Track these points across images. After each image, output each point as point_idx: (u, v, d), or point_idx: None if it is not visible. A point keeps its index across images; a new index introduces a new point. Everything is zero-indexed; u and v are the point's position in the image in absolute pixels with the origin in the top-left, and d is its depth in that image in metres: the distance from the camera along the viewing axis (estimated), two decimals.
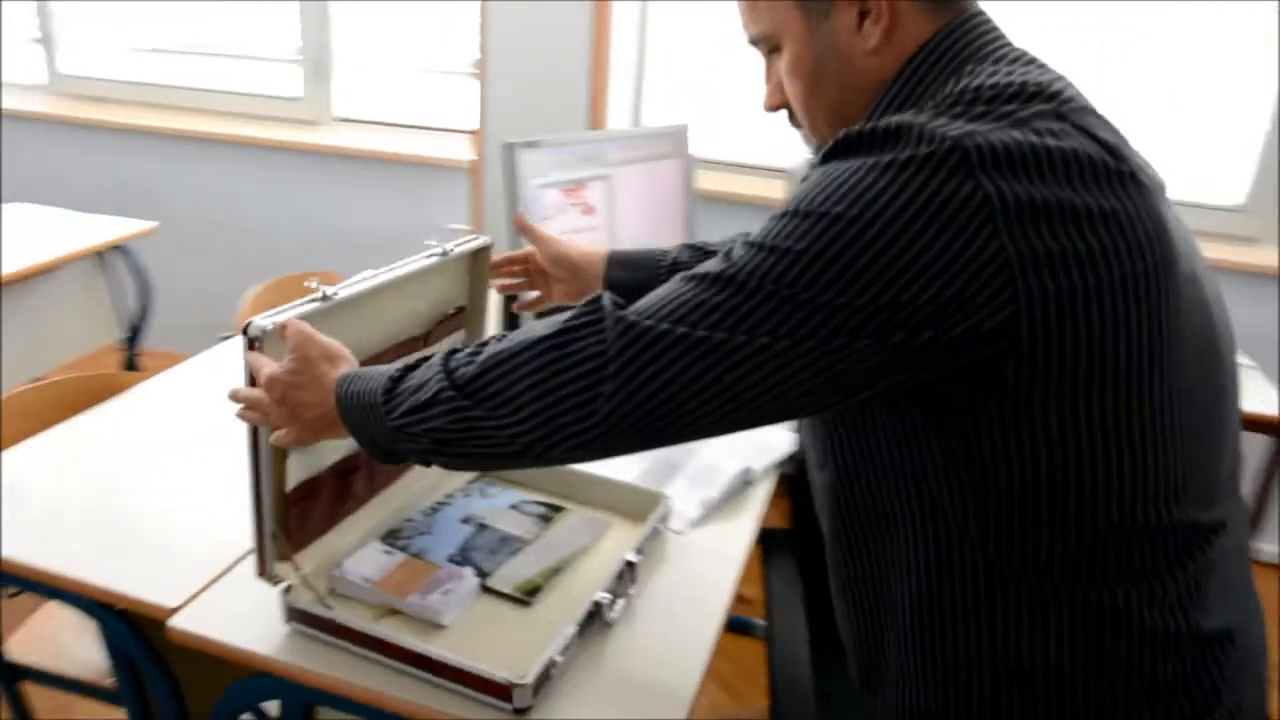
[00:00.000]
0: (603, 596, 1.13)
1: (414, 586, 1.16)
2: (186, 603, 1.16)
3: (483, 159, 2.96)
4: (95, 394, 1.66)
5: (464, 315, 1.37)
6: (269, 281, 2.23)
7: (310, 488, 1.14)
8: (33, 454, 1.47)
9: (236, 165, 3.45)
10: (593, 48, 2.71)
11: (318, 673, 1.06)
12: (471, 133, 2.98)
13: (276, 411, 1.00)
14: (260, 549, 1.10)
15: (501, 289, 1.44)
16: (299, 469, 1.12)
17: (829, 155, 0.81)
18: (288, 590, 1.11)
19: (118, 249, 2.73)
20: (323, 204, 3.41)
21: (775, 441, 1.58)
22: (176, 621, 1.13)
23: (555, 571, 1.23)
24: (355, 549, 1.22)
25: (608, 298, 0.83)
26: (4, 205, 2.88)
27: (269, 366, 1.00)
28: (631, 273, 1.36)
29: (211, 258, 3.61)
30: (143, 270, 2.79)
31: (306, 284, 1.08)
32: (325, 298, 1.07)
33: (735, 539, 1.36)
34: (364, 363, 1.16)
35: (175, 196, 3.58)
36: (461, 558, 1.24)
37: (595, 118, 2.78)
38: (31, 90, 3.83)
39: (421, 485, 1.37)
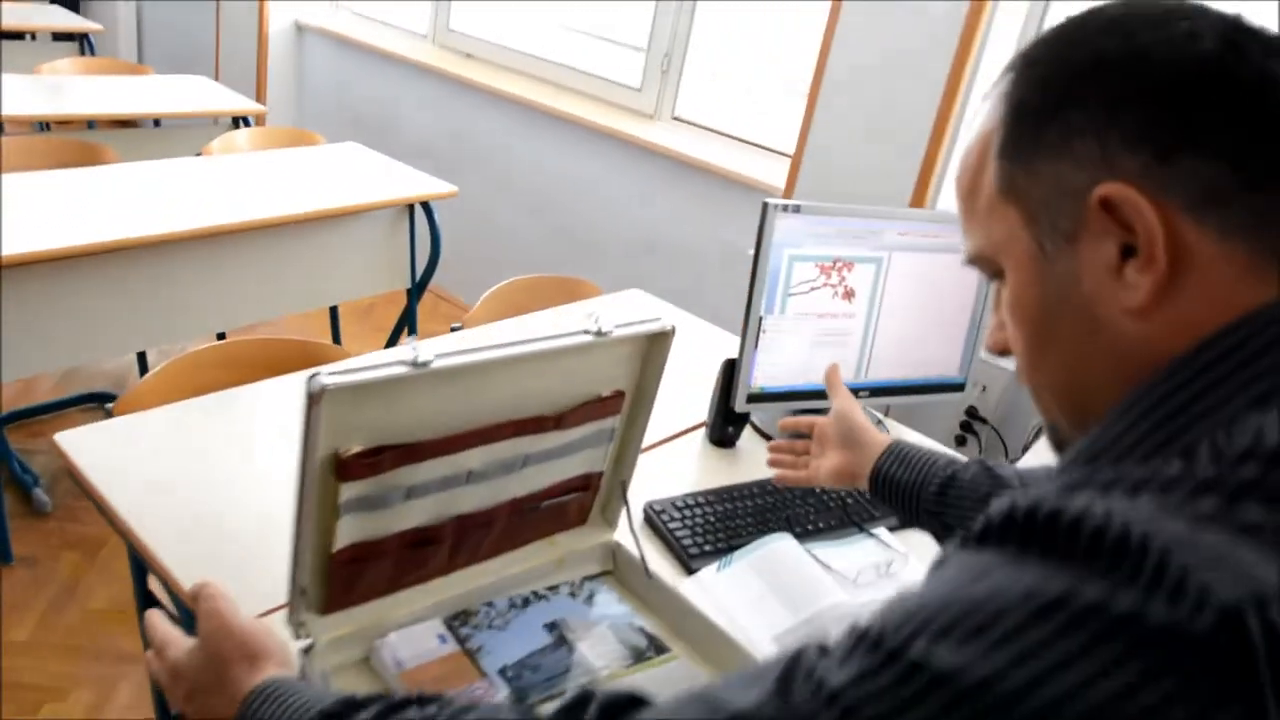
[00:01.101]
0: None
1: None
2: None
3: (793, 187, 2.74)
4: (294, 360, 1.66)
5: (621, 400, 1.17)
6: (527, 278, 2.16)
7: (366, 550, 1.02)
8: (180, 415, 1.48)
9: (564, 142, 3.48)
10: (939, 106, 2.38)
11: None
12: (789, 158, 2.77)
13: (180, 702, 0.83)
14: (291, 599, 0.99)
15: (780, 480, 1.35)
16: (353, 530, 0.99)
17: (984, 536, 0.49)
18: (308, 650, 1.00)
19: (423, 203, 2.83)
20: (631, 197, 3.35)
21: None
22: None
23: None
24: (417, 620, 1.09)
25: (596, 708, 0.61)
26: (341, 143, 3.08)
27: (175, 647, 0.83)
28: (906, 471, 1.18)
29: (514, 221, 3.70)
30: (438, 229, 2.88)
31: (404, 340, 0.93)
32: (417, 364, 0.92)
33: None
34: (469, 436, 1.02)
35: (496, 156, 3.70)
36: (515, 674, 1.06)
37: (920, 186, 2.46)
38: (419, 39, 4.13)
39: (529, 566, 1.20)
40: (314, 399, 0.87)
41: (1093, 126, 0.54)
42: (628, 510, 1.25)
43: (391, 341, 3.18)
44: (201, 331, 2.67)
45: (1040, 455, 2.17)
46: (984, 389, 2.59)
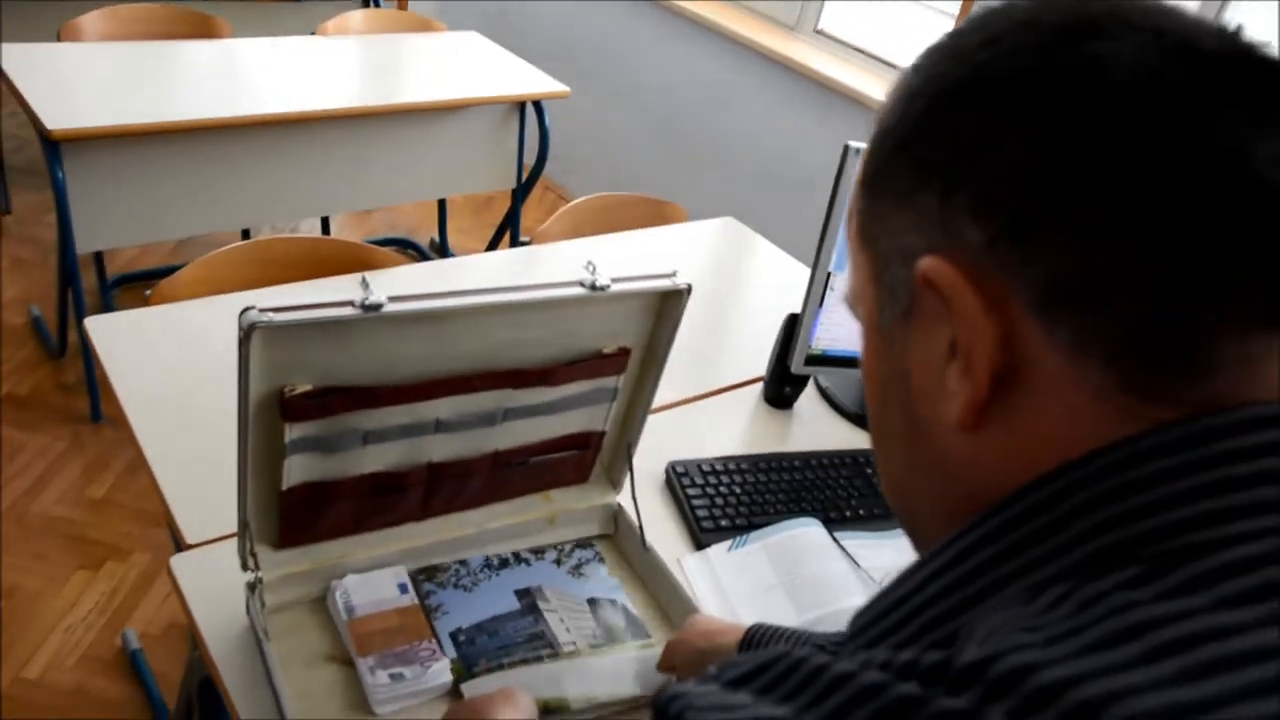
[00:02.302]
0: None
1: (384, 645, 0.95)
2: (200, 545, 1.05)
3: None
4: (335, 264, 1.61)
5: (625, 358, 1.06)
6: (612, 196, 2.04)
7: (321, 490, 0.96)
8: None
9: (695, 48, 3.27)
10: None
11: (226, 675, 0.93)
12: None
13: None
14: (239, 532, 0.94)
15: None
16: (304, 469, 0.93)
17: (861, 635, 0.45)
18: (253, 585, 0.95)
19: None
20: (757, 116, 3.14)
21: None
22: (176, 560, 1.03)
23: (553, 711, 0.94)
24: (382, 565, 1.03)
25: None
26: (459, 31, 2.99)
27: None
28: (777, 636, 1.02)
29: (632, 128, 3.55)
30: (547, 130, 2.77)
31: (364, 277, 0.84)
32: (366, 307, 0.83)
33: None
34: (434, 384, 0.93)
35: (624, 59, 3.53)
36: (467, 638, 0.99)
37: None
38: None
39: (516, 521, 1.12)
40: (244, 335, 0.80)
41: (943, 173, 0.40)
42: (631, 473, 1.15)
43: (494, 241, 3.14)
44: (306, 214, 2.68)
45: None
46: None
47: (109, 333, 1.34)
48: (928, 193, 0.40)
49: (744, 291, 1.89)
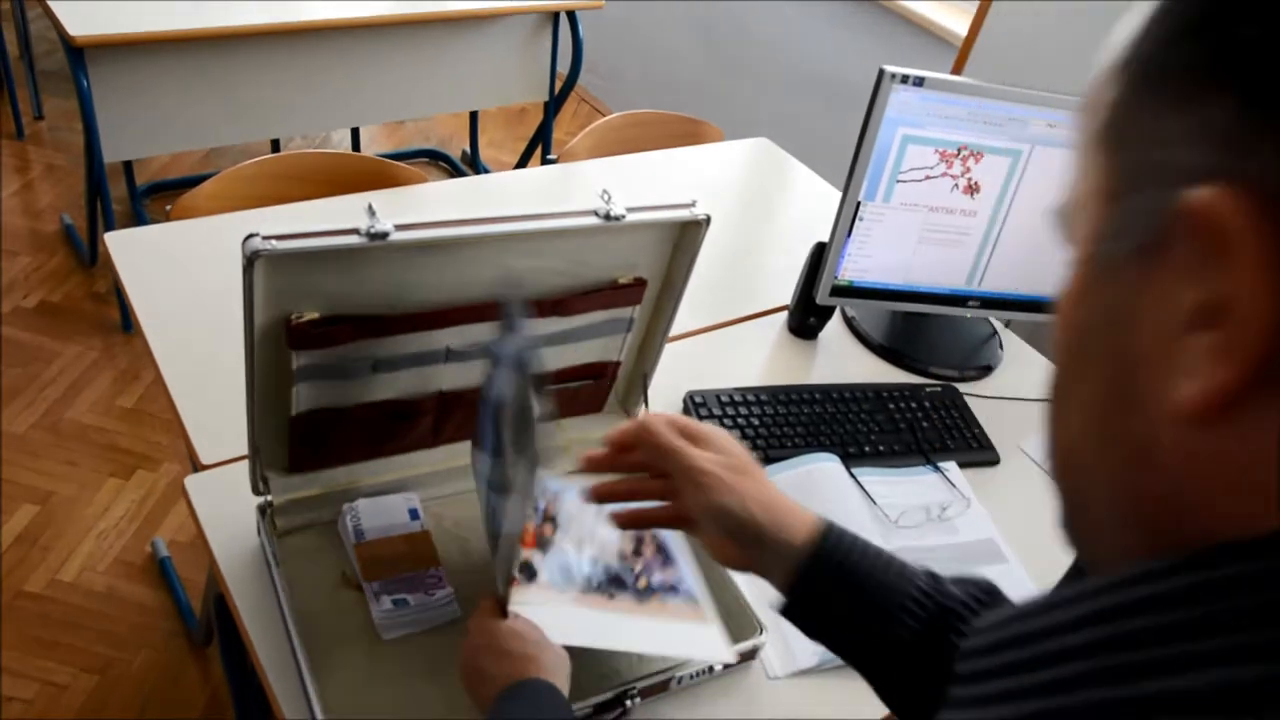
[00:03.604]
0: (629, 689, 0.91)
1: (391, 571, 0.96)
2: (216, 466, 1.06)
3: (970, 49, 2.39)
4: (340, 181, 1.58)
5: (642, 289, 1.03)
6: (645, 113, 1.98)
7: (330, 416, 0.95)
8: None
9: None
10: None
11: (237, 595, 0.95)
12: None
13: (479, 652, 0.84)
14: (249, 456, 0.94)
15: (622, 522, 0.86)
16: (313, 397, 0.92)
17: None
18: (264, 509, 0.96)
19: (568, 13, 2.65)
20: (800, 30, 3.02)
21: None
22: (191, 481, 1.04)
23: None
24: (393, 490, 1.03)
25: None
26: None
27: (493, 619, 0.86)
28: (862, 560, 0.73)
29: (663, 34, 3.44)
30: (581, 42, 2.69)
31: (370, 204, 0.82)
32: (372, 235, 0.81)
33: (855, 707, 0.98)
34: (444, 313, 0.91)
35: None
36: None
37: None
38: None
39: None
40: (248, 263, 0.79)
41: (1253, 76, 0.28)
42: (646, 404, 1.14)
43: (525, 155, 3.09)
44: (335, 125, 2.64)
45: None
46: None
47: (129, 247, 1.34)
48: (1222, 98, 0.29)
49: (774, 217, 1.84)
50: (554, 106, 2.83)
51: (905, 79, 1.27)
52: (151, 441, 2.10)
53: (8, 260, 2.50)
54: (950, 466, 1.31)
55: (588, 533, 0.99)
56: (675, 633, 0.93)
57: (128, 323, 2.34)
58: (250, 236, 0.78)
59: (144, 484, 2.00)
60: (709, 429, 0.79)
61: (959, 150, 1.33)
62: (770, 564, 0.73)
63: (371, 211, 0.82)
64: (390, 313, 0.89)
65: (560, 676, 0.80)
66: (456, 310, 0.92)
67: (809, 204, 1.86)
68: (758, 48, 3.19)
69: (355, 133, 2.99)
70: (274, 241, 0.78)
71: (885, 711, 1.00)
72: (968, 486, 1.29)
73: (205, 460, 1.07)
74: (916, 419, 1.36)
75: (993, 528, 1.24)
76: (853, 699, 0.98)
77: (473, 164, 3.24)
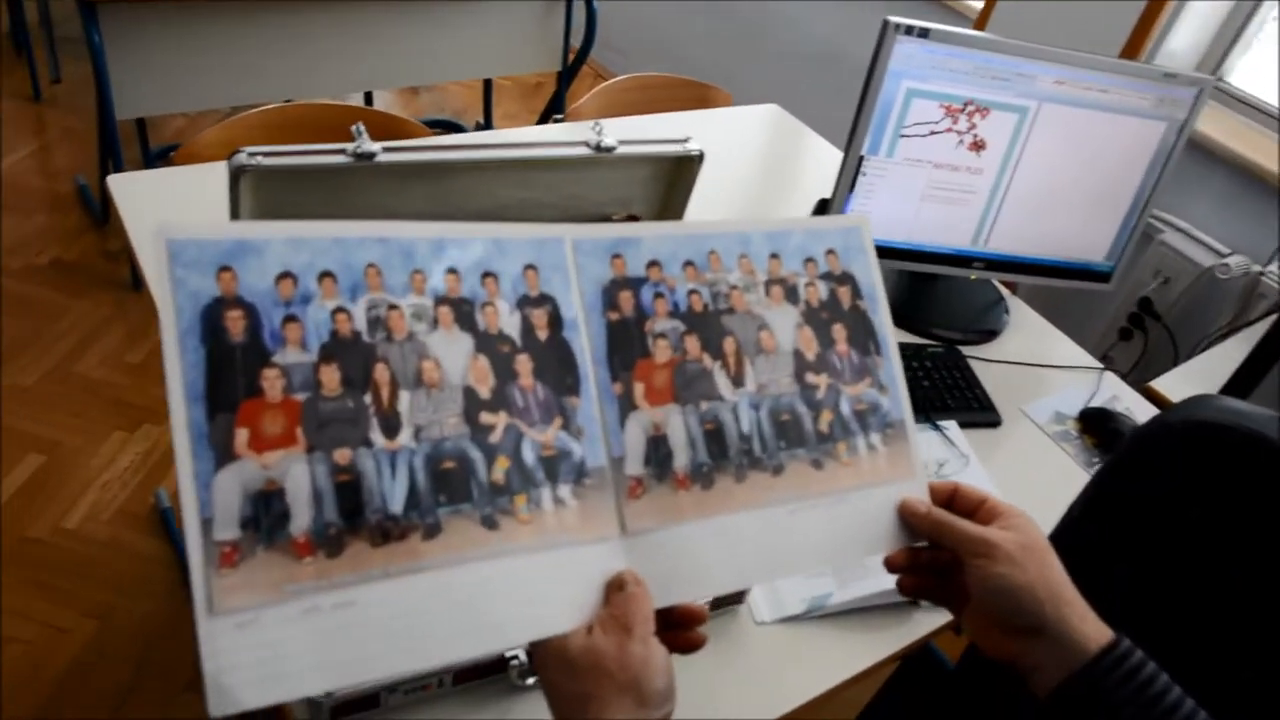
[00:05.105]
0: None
1: None
2: None
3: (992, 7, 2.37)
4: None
5: None
6: (653, 76, 1.97)
7: None
8: None
9: None
10: None
11: None
12: None
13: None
14: None
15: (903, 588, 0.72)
16: None
17: None
18: None
19: None
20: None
21: None
22: None
23: None
24: None
25: None
26: None
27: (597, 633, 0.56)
28: (1159, 681, 0.62)
29: (677, 8, 3.42)
30: (594, 11, 2.68)
31: (353, 128, 0.82)
32: (358, 155, 0.81)
33: (843, 656, 0.97)
34: None
35: None
36: None
37: (1141, 29, 2.05)
38: None
39: None
40: (233, 178, 0.78)
41: None
42: None
43: (541, 123, 3.08)
44: (349, 88, 2.65)
45: (1206, 365, 1.87)
46: (1165, 281, 2.24)
47: (133, 191, 1.34)
48: None
49: (783, 182, 1.83)
50: (567, 77, 2.82)
51: (910, 30, 1.25)
52: (157, 396, 2.11)
53: (24, 219, 2.52)
54: (950, 425, 1.30)
55: (748, 333, 0.67)
56: (871, 514, 0.68)
57: (138, 281, 2.36)
58: (236, 152, 0.78)
59: (149, 437, 2.01)
60: (1004, 505, 0.67)
61: (964, 105, 1.32)
62: (1043, 657, 0.62)
63: (359, 132, 0.82)
64: None
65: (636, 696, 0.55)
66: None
67: (819, 170, 1.84)
68: (773, 22, 3.17)
69: (368, 99, 2.99)
70: (260, 158, 0.78)
71: (871, 661, 1.00)
72: (967, 445, 1.27)
73: None
74: (917, 378, 1.34)
75: (991, 487, 1.22)
76: (840, 647, 0.97)
77: None
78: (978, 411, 1.33)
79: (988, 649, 0.66)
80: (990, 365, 1.43)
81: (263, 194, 0.81)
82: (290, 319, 0.53)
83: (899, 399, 0.71)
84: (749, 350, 0.66)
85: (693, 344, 0.65)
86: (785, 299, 0.69)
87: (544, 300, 0.60)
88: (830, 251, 0.72)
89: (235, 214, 0.81)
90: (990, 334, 1.52)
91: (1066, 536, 0.86)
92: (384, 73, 2.56)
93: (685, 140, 0.96)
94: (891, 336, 0.72)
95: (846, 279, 0.71)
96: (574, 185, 0.95)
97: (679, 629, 0.61)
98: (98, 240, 2.50)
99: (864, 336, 0.71)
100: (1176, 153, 1.39)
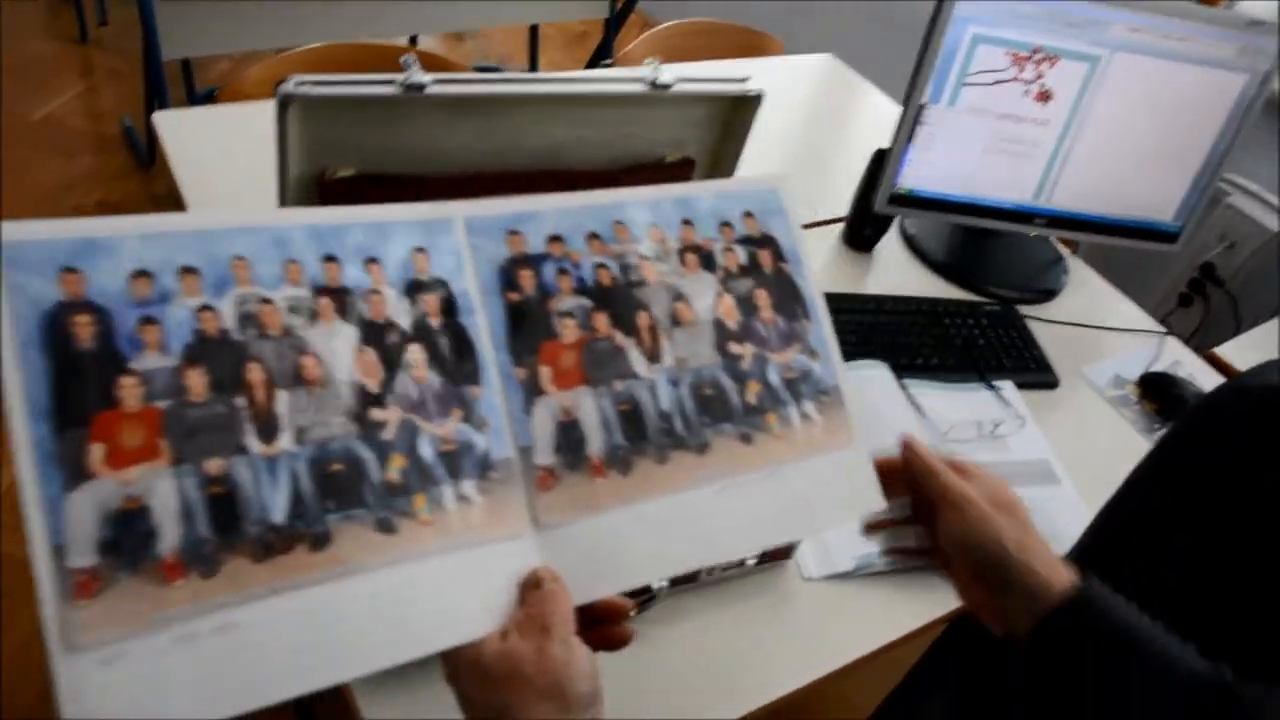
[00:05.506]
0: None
1: None
2: None
3: None
4: None
5: (688, 170, 0.99)
6: (702, 22, 1.92)
7: None
8: None
9: None
10: None
11: None
12: None
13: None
14: None
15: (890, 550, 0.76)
16: None
17: None
18: None
19: None
20: None
21: (1058, 533, 1.05)
22: None
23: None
24: None
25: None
26: None
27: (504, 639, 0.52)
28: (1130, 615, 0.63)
29: None
30: None
31: (402, 59, 0.79)
32: (409, 86, 0.78)
33: (890, 616, 0.95)
34: (485, 179, 0.89)
35: None
36: None
37: None
38: None
39: None
40: (283, 105, 0.76)
41: None
42: None
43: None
44: (395, 33, 2.61)
45: (1271, 334, 1.80)
46: (1231, 245, 2.16)
47: (179, 128, 1.33)
48: None
49: (836, 134, 1.78)
50: (614, 24, 2.76)
51: None
52: None
53: (70, 161, 2.53)
54: (1006, 385, 1.26)
55: (662, 305, 0.63)
56: (808, 488, 0.64)
57: None
58: (285, 80, 0.76)
59: None
60: (974, 465, 0.70)
61: (1032, 53, 1.26)
62: (1015, 609, 0.63)
63: (410, 63, 0.79)
64: (427, 174, 0.87)
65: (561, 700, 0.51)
66: (499, 178, 0.89)
67: (874, 123, 1.79)
68: None
69: (413, 44, 2.96)
70: (308, 86, 0.76)
71: (918, 623, 0.97)
72: (1024, 406, 1.24)
73: None
74: (973, 336, 1.30)
75: (1048, 448, 1.19)
76: (887, 607, 0.95)
77: None
78: (1034, 372, 1.29)
79: (975, 608, 0.67)
80: (1048, 325, 1.39)
81: (311, 125, 0.79)
82: (147, 320, 0.48)
83: (832, 364, 0.68)
84: (664, 324, 0.62)
85: (602, 321, 0.60)
86: (701, 266, 0.65)
87: (435, 285, 0.56)
88: (748, 214, 0.68)
89: (283, 146, 0.78)
90: (1048, 293, 1.47)
91: (1128, 502, 0.83)
92: (429, 17, 2.52)
93: (744, 80, 0.92)
94: (819, 298, 0.69)
95: (767, 241, 0.68)
96: (629, 124, 0.92)
97: (601, 625, 0.57)
98: (143, 183, 2.50)
99: (790, 301, 0.67)
100: (1257, 107, 1.32)
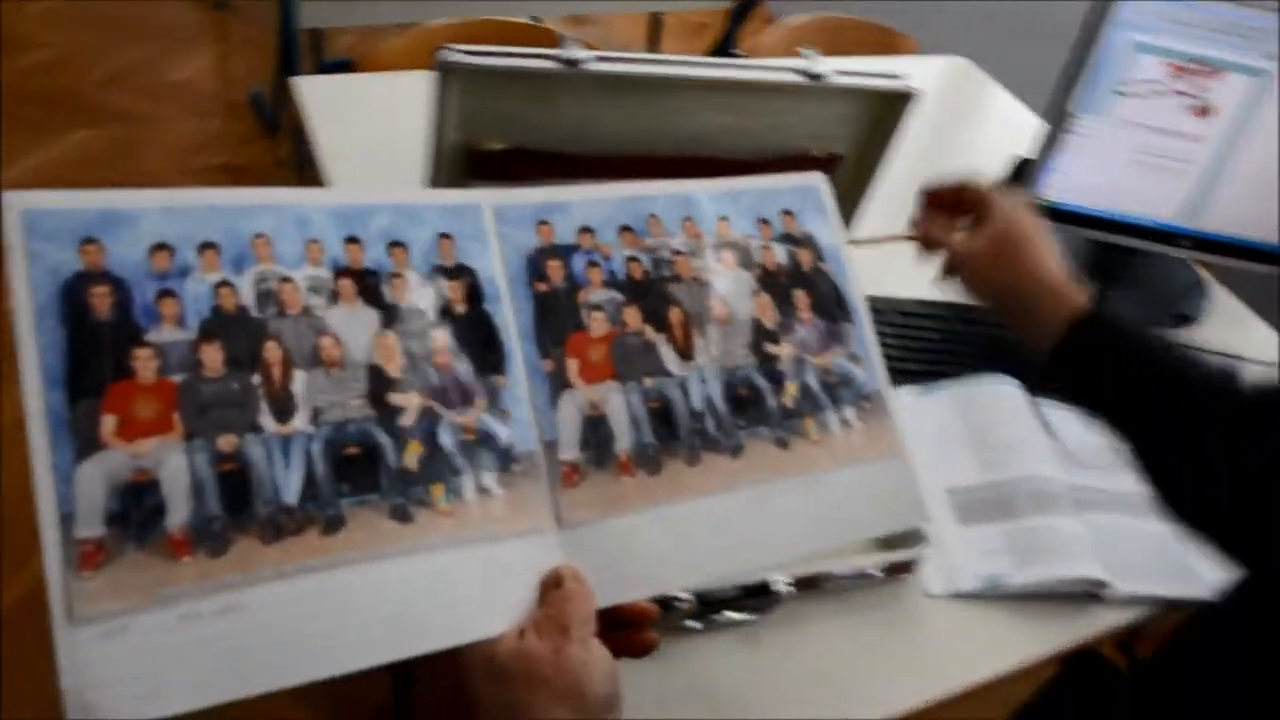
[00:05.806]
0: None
1: None
2: None
3: None
4: None
5: (835, 165, 0.97)
6: (833, 18, 1.88)
7: None
8: None
9: None
10: None
11: None
12: None
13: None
14: None
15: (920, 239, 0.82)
16: None
17: None
18: None
19: None
20: None
21: (1198, 571, 1.00)
22: None
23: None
24: None
25: None
26: None
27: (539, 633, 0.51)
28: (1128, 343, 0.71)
29: None
30: None
31: (561, 35, 0.79)
32: (567, 62, 0.78)
33: (1009, 644, 0.91)
34: (636, 162, 0.88)
35: None
36: None
37: None
38: None
39: None
40: (444, 74, 0.76)
41: None
42: None
43: None
44: (518, 13, 2.63)
45: None
46: None
47: (315, 94, 1.35)
48: None
49: (967, 142, 1.73)
50: (738, 15, 2.74)
51: None
52: None
53: (202, 123, 2.61)
54: None
55: (696, 301, 0.62)
56: (846, 499, 0.62)
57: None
58: (444, 47, 0.76)
59: None
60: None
61: (1193, 64, 1.20)
62: (1039, 313, 0.74)
63: (566, 40, 0.78)
64: (577, 153, 0.86)
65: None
66: (649, 161, 0.89)
67: (1006, 130, 1.73)
68: None
69: (536, 18, 2.98)
70: (469, 56, 0.76)
71: (1037, 654, 0.93)
72: None
73: None
74: None
75: None
76: (1013, 633, 0.92)
77: None
78: None
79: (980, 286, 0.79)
80: None
81: (468, 95, 0.79)
82: (165, 293, 0.48)
83: (875, 369, 0.67)
84: (698, 320, 0.61)
85: (633, 315, 0.59)
86: (738, 264, 0.63)
87: (461, 271, 0.55)
88: (786, 212, 0.66)
89: (439, 115, 0.79)
90: (1184, 319, 1.40)
91: None
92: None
93: (900, 78, 0.90)
94: (862, 301, 0.67)
95: (806, 241, 0.66)
96: (778, 114, 0.90)
97: (626, 630, 0.54)
98: (269, 148, 2.57)
99: (830, 302, 0.66)
100: None
